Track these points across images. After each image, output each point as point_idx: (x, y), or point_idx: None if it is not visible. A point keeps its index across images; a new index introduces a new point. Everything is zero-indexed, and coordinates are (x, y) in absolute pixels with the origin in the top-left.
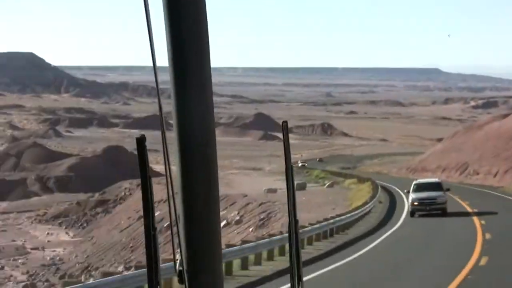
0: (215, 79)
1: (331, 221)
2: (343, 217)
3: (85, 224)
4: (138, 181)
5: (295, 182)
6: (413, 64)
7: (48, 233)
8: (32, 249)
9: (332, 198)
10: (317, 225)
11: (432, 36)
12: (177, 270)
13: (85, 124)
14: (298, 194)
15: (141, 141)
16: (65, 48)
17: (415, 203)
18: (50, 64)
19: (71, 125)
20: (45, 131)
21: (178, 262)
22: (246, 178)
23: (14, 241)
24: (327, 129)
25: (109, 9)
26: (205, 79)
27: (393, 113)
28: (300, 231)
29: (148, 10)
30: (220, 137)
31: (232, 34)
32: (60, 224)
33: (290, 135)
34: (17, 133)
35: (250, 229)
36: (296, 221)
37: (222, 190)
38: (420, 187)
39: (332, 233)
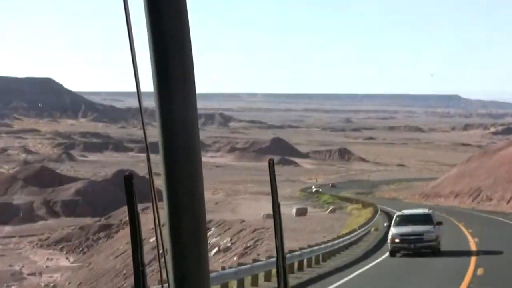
0: (234, 104)
1: (307, 250)
2: (322, 246)
3: (86, 249)
4: (144, 205)
5: (299, 207)
6: (434, 90)
7: (48, 258)
8: (28, 274)
9: (329, 224)
10: (289, 255)
11: (452, 63)
12: None
13: (100, 148)
14: (298, 220)
15: (129, 178)
16: (82, 73)
17: (396, 240)
18: (68, 89)
19: (86, 150)
20: (58, 155)
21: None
22: (254, 203)
23: (11, 266)
24: (344, 154)
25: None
26: (189, 88)
27: (412, 139)
28: (258, 263)
29: (130, 22)
30: (236, 162)
31: (251, 59)
32: (61, 249)
33: (307, 160)
34: (30, 157)
35: (235, 258)
36: (284, 257)
37: (223, 215)
38: (404, 220)
39: (302, 267)
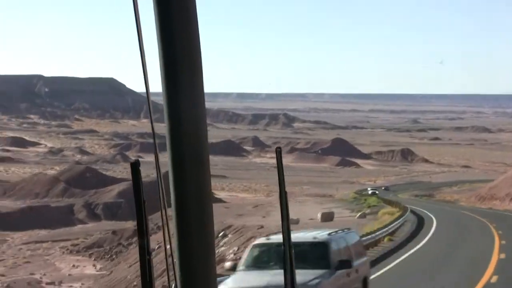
0: (301, 105)
1: None
2: None
3: (114, 256)
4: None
5: (325, 211)
6: (504, 90)
7: (74, 266)
8: (47, 284)
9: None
10: None
11: None
12: None
13: (158, 149)
14: (319, 226)
15: (135, 165)
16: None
17: None
18: (130, 90)
19: (142, 151)
20: (113, 156)
21: (173, 286)
22: (297, 207)
23: (32, 274)
24: (407, 155)
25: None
26: (198, 85)
27: (479, 139)
28: None
29: (139, 19)
30: (296, 163)
31: (319, 60)
32: (90, 256)
33: (369, 161)
34: (85, 157)
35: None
36: (290, 247)
37: (251, 220)
38: (259, 259)
39: None
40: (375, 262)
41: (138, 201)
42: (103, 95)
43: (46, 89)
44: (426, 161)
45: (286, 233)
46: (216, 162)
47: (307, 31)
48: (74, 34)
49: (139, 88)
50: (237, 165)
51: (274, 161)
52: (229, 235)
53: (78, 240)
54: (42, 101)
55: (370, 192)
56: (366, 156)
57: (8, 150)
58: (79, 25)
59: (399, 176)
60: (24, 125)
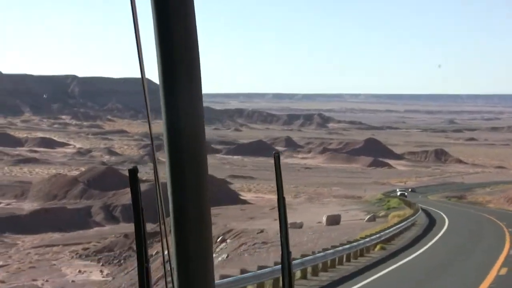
0: (336, 105)
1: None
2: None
3: (122, 261)
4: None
5: (331, 214)
6: None
7: (80, 271)
8: None
9: (348, 236)
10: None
11: None
12: None
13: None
14: (321, 230)
15: (133, 172)
16: None
17: None
18: None
19: None
20: (141, 156)
21: None
22: (319, 209)
23: (34, 280)
24: (440, 155)
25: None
26: (196, 84)
27: None
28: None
29: (136, 16)
30: (327, 164)
31: (355, 60)
32: (99, 260)
33: (402, 162)
34: (113, 158)
35: None
36: (289, 253)
37: (263, 223)
38: None
39: None
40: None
41: (136, 208)
42: (137, 96)
43: (78, 90)
44: (460, 161)
45: (284, 238)
46: (246, 163)
47: (345, 32)
48: (109, 34)
49: None
50: (266, 166)
51: (306, 161)
52: (228, 240)
53: (90, 244)
54: (75, 102)
55: (398, 193)
56: (399, 157)
57: (35, 151)
58: (113, 25)
59: (432, 177)
60: (55, 126)
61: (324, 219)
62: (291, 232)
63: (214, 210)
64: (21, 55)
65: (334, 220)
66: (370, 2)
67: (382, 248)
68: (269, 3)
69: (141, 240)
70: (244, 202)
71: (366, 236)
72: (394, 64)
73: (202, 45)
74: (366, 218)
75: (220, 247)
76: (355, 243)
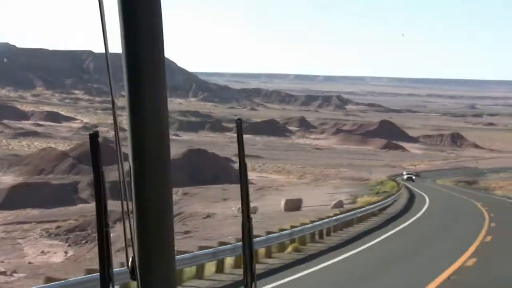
0: (358, 88)
1: None
2: None
3: (90, 242)
4: (186, 190)
5: (290, 198)
6: None
7: (42, 252)
8: None
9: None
10: None
11: None
12: (130, 267)
13: (196, 128)
14: (272, 216)
15: (94, 137)
16: (205, 54)
17: None
18: (181, 68)
19: (181, 129)
20: None
21: (130, 259)
22: (314, 191)
23: None
24: (456, 139)
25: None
26: (159, 74)
27: None
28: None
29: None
30: (339, 145)
31: (379, 43)
32: (66, 240)
33: (416, 145)
34: (120, 135)
35: None
36: (250, 219)
37: (226, 205)
38: None
39: None
40: None
41: (97, 174)
42: None
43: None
44: (476, 146)
45: (246, 206)
46: (256, 142)
47: (370, 16)
48: None
49: (191, 67)
50: (277, 146)
51: (317, 142)
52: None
53: (67, 222)
54: (89, 77)
55: (405, 177)
56: (414, 140)
57: (40, 125)
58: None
59: (446, 161)
60: (66, 100)
61: (282, 203)
62: (229, 218)
63: (193, 189)
64: (37, 29)
65: (294, 205)
66: None
67: (296, 250)
68: None
69: (101, 204)
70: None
71: (281, 230)
72: (419, 47)
73: (230, 26)
74: (332, 204)
75: None
76: (275, 234)
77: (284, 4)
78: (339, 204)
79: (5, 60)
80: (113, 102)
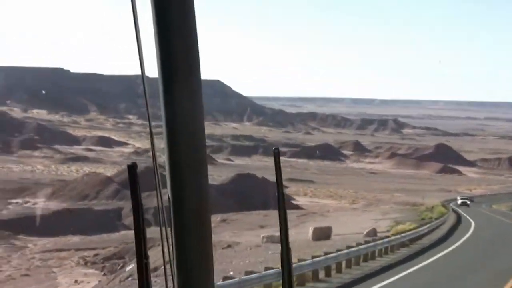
0: (415, 111)
1: None
2: None
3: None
4: (225, 216)
5: (318, 226)
6: None
7: (76, 281)
8: None
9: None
10: None
11: None
12: None
13: (250, 152)
14: (301, 246)
15: (132, 168)
16: (257, 78)
17: None
18: (236, 93)
19: (234, 153)
20: None
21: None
22: (357, 217)
23: None
24: None
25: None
26: (196, 85)
27: None
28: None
29: (137, 18)
30: (394, 169)
31: (435, 67)
32: (102, 269)
33: (473, 169)
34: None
35: None
36: (289, 249)
37: (259, 232)
38: None
39: None
40: None
41: (136, 205)
42: (207, 97)
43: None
44: None
45: (284, 234)
46: (309, 167)
47: (426, 38)
48: None
49: (246, 91)
50: (331, 170)
51: (372, 166)
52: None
53: (106, 249)
54: (143, 102)
55: (459, 201)
56: (471, 164)
57: (91, 150)
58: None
59: (504, 185)
60: (120, 125)
61: (310, 232)
62: (250, 248)
63: (234, 216)
64: (91, 55)
65: (322, 234)
66: (455, 4)
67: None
68: (360, 8)
69: (140, 236)
70: (296, 207)
71: (266, 269)
72: (476, 70)
73: (283, 48)
74: (365, 232)
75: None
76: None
77: (338, 31)
78: (373, 232)
79: (43, 92)
80: (151, 132)
